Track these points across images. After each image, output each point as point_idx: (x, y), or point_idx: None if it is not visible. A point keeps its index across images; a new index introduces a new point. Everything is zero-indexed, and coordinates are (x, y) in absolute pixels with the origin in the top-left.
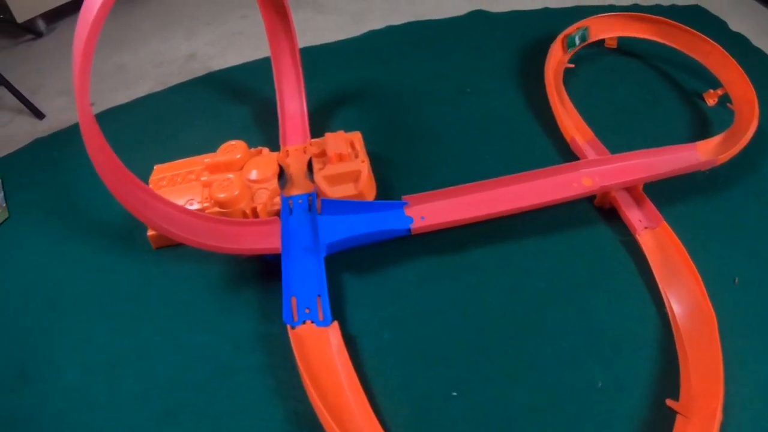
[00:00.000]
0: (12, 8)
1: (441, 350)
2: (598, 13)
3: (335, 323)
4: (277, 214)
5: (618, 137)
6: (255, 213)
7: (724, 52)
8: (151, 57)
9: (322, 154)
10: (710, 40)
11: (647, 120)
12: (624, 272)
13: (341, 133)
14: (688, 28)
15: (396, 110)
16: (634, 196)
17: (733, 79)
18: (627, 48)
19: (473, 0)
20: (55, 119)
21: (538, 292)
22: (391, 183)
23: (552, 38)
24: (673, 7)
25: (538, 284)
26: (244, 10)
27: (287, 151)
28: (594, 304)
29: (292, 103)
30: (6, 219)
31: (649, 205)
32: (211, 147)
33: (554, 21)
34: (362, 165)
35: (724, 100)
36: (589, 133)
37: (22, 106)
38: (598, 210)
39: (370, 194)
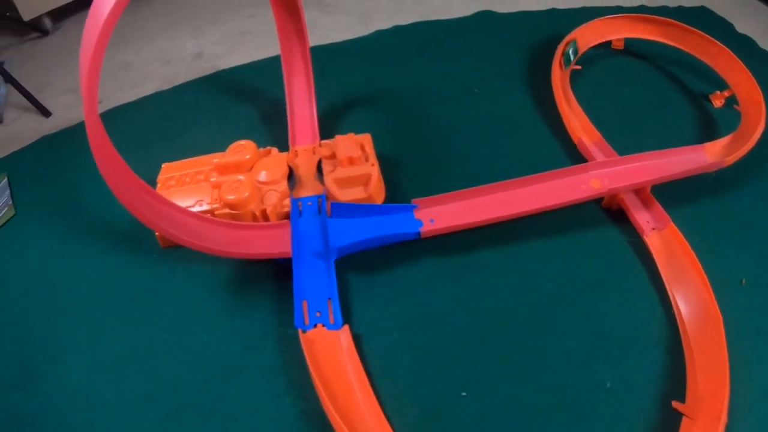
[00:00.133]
0: (18, 6)
1: (449, 350)
2: (604, 15)
3: (346, 326)
4: (287, 215)
5: (624, 138)
6: (264, 215)
7: (732, 53)
8: (157, 56)
9: (332, 156)
10: (717, 42)
11: (654, 121)
12: (631, 273)
13: (351, 135)
14: (695, 29)
15: (404, 111)
16: (642, 197)
17: (741, 80)
18: (634, 49)
19: (480, 0)
20: (62, 117)
21: (546, 293)
22: (399, 184)
23: (559, 39)
24: (679, 8)
25: (546, 285)
26: (250, 10)
27: (296, 151)
28: (602, 305)
29: (302, 104)
30: (12, 216)
31: (657, 206)
32: (218, 146)
33: (561, 22)
34: (372, 168)
35: (731, 101)
36: (597, 134)
37: (28, 103)
38: (606, 211)
39: (379, 197)
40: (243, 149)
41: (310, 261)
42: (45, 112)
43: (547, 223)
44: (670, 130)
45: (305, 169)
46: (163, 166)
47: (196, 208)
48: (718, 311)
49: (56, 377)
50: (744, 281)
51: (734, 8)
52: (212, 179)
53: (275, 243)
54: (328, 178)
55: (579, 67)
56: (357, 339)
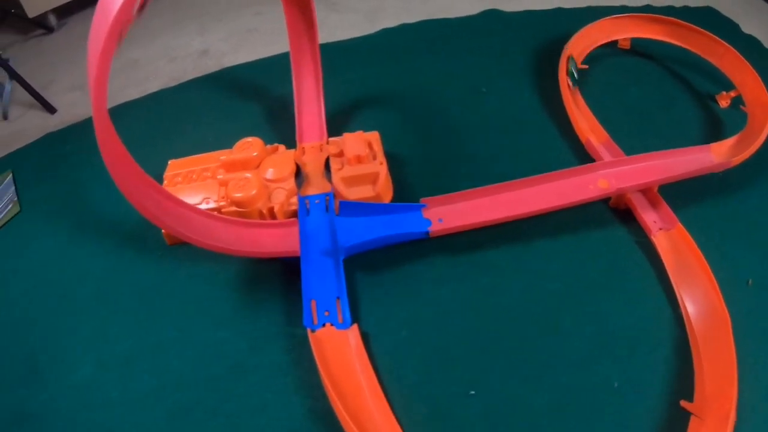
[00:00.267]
0: (23, 3)
1: (457, 349)
2: (610, 14)
3: (355, 326)
4: (294, 214)
5: (631, 138)
6: (272, 213)
7: (738, 54)
8: (163, 53)
9: (340, 153)
10: (724, 42)
11: (660, 121)
12: (639, 273)
13: (360, 133)
14: (701, 29)
15: (410, 109)
16: (650, 197)
17: (747, 81)
18: (640, 49)
19: None
20: (67, 113)
21: (553, 293)
22: (407, 182)
23: (566, 38)
24: (685, 8)
25: (554, 285)
26: (257, 7)
27: (303, 148)
28: (609, 305)
29: (310, 101)
30: (17, 213)
31: (665, 206)
32: (224, 143)
33: (567, 21)
34: (380, 167)
35: (737, 102)
36: (604, 134)
37: (33, 100)
38: (613, 211)
39: (387, 195)
40: (250, 146)
41: (319, 260)
42: (50, 109)
43: (554, 222)
44: (676, 130)
45: (313, 167)
46: (169, 162)
47: (203, 206)
48: (726, 311)
49: (62, 375)
50: (750, 282)
51: (739, 8)
52: (219, 176)
53: (283, 241)
54: (336, 177)
55: (586, 66)
56: (365, 338)
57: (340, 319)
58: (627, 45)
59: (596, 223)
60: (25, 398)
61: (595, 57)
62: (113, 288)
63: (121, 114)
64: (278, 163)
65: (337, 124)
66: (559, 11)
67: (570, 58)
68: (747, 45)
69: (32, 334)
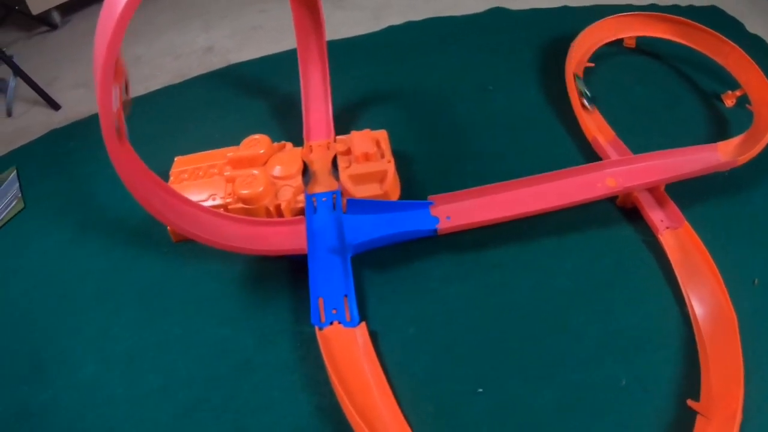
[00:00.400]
0: (27, 0)
1: (465, 347)
2: (616, 12)
3: (362, 324)
4: (301, 211)
5: (636, 137)
6: (279, 210)
7: (743, 53)
8: (168, 50)
9: (347, 151)
10: (729, 41)
11: (665, 120)
12: (646, 272)
13: (368, 131)
14: (707, 28)
15: (417, 107)
16: (656, 196)
17: (752, 80)
18: (645, 47)
19: None
20: (71, 110)
21: (560, 291)
22: (414, 180)
23: (572, 37)
24: (690, 7)
25: (561, 283)
26: (262, 5)
27: (311, 146)
28: (616, 304)
29: (318, 99)
30: (21, 210)
31: (672, 205)
32: (230, 140)
33: (573, 19)
34: (388, 165)
35: (743, 101)
36: (611, 133)
37: (37, 97)
38: (620, 210)
39: (395, 194)
40: (257, 143)
41: (326, 258)
42: (54, 106)
43: (561, 221)
44: (681, 129)
45: (320, 165)
46: (175, 159)
47: (210, 203)
48: (733, 311)
49: (66, 372)
50: (756, 281)
51: (744, 8)
52: (226, 173)
53: (290, 239)
54: (344, 174)
55: (592, 64)
56: (373, 336)
57: (347, 317)
58: (632, 43)
59: (603, 221)
60: (28, 396)
61: (600, 55)
62: (118, 285)
63: None
64: (285, 160)
65: (343, 122)
66: (565, 9)
67: (576, 77)
68: (752, 44)
69: (36, 331)
